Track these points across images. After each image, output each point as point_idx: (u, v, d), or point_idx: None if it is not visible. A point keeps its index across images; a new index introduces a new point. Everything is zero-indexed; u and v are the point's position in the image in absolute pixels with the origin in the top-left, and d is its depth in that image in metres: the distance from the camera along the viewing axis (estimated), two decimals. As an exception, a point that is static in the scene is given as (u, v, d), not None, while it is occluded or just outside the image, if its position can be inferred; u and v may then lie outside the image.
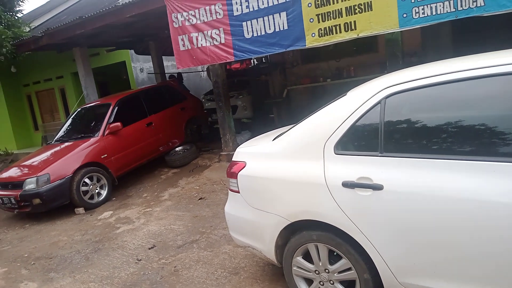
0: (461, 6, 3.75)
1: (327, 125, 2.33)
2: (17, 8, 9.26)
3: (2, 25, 7.40)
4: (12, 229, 5.54)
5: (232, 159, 2.89)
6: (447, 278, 1.91)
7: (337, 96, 2.48)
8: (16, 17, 8.54)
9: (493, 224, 1.73)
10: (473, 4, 3.70)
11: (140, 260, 3.69)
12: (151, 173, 6.85)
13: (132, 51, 10.66)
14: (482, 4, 3.66)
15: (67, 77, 12.48)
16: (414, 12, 3.96)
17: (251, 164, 2.70)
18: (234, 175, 2.76)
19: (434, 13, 3.88)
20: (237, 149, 2.95)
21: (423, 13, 3.93)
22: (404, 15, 4.01)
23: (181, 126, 7.48)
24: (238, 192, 2.74)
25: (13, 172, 5.96)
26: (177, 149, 7.20)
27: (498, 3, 3.59)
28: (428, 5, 3.88)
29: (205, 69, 12.05)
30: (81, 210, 5.61)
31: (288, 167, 2.45)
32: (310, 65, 7.94)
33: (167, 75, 10.34)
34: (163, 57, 10.37)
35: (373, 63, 6.94)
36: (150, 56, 10.60)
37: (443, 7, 3.83)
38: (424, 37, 6.49)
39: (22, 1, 9.38)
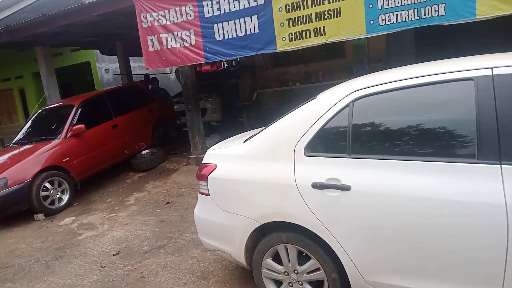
0: (424, 14, 3.92)
1: (298, 127, 2.35)
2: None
3: (-44, 20, 6.96)
4: (-37, 237, 5.18)
5: (202, 162, 2.85)
6: (410, 275, 1.97)
7: (306, 100, 2.51)
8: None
9: (452, 222, 1.81)
10: (435, 13, 3.88)
11: (104, 267, 3.55)
12: (116, 177, 6.63)
13: (98, 51, 10.35)
14: (443, 13, 3.84)
15: (28, 77, 11.95)
16: (380, 19, 4.09)
17: (221, 166, 2.67)
18: (204, 178, 2.72)
19: (399, 20, 4.03)
20: (207, 151, 2.92)
21: (389, 20, 4.06)
22: (371, 22, 4.13)
23: (148, 129, 7.30)
24: (208, 194, 2.71)
25: (-34, 176, 5.57)
26: (143, 152, 7.02)
27: (457, 13, 3.78)
28: (394, 13, 4.02)
29: (173, 71, 11.93)
30: (40, 216, 5.32)
31: (259, 169, 2.45)
32: (279, 69, 8.01)
33: (134, 76, 10.10)
34: (130, 57, 10.12)
35: (340, 68, 7.10)
36: (116, 56, 10.33)
37: (408, 15, 3.99)
38: (389, 44, 6.73)
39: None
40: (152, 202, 5.21)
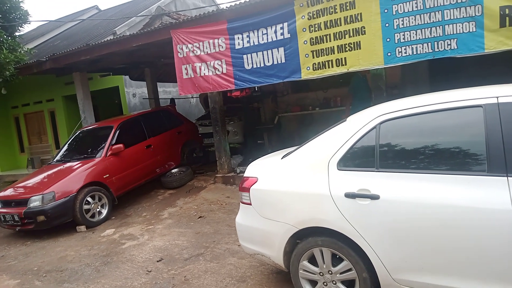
0: (438, 48, 4.36)
1: (331, 145, 2.76)
2: (17, 33, 9.53)
3: (6, 49, 7.66)
4: (13, 246, 5.64)
5: (244, 175, 3.26)
6: (431, 273, 2.29)
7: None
8: (17, 41, 8.79)
9: (467, 225, 2.15)
10: (447, 47, 4.32)
11: (150, 271, 3.94)
12: (148, 194, 7.10)
13: (127, 76, 11.05)
14: (455, 47, 4.28)
15: (58, 100, 12.65)
16: (397, 52, 4.55)
17: (263, 179, 3.07)
18: (246, 189, 3.12)
19: (414, 52, 4.48)
20: (248, 167, 3.34)
21: (405, 53, 4.52)
22: (389, 54, 4.60)
23: (177, 149, 7.83)
24: (250, 204, 3.09)
25: (14, 190, 6.09)
26: (173, 171, 7.50)
27: (468, 47, 4.21)
28: (410, 46, 4.48)
29: (195, 96, 12.57)
30: (82, 228, 5.78)
31: (297, 181, 2.84)
32: (299, 94, 8.51)
33: (160, 101, 10.70)
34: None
35: (358, 94, 7.53)
36: (142, 81, 11.01)
37: (422, 48, 4.44)
38: (404, 72, 7.18)
39: (22, 26, 9.67)
40: (185, 216, 5.62)
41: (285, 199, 2.90)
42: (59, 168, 6.32)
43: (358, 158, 2.65)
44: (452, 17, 4.22)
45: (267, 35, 5.35)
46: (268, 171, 3.14)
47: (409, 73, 7.13)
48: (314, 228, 2.72)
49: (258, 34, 5.41)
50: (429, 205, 2.26)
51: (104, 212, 6.09)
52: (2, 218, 5.76)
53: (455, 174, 2.25)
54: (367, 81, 6.48)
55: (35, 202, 5.49)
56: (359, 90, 6.42)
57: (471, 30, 4.17)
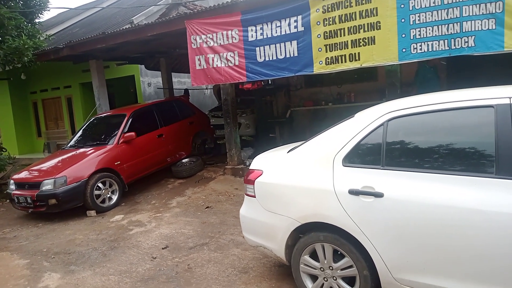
0: (454, 45, 4.25)
1: (337, 141, 2.73)
2: (37, 20, 9.70)
3: (25, 35, 7.80)
4: (25, 227, 5.80)
5: (250, 168, 3.27)
6: (434, 274, 2.26)
7: (338, 119, 2.90)
8: (36, 28, 8.95)
9: (472, 228, 2.11)
10: (464, 44, 4.21)
11: (155, 258, 4.00)
12: (158, 182, 7.19)
13: (142, 66, 11.14)
14: (473, 45, 4.16)
15: (75, 87, 12.86)
16: (412, 48, 4.45)
17: (268, 172, 3.07)
18: (251, 182, 3.13)
19: (430, 49, 4.37)
20: (254, 159, 3.34)
21: (421, 49, 4.42)
22: (403, 50, 4.50)
23: (188, 139, 7.89)
24: (254, 196, 3.10)
25: (28, 173, 6.26)
26: (184, 160, 7.57)
27: (486, 45, 4.09)
28: (425, 42, 4.38)
29: (209, 87, 12.58)
30: (92, 213, 5.90)
31: (302, 176, 2.84)
32: (313, 89, 8.44)
33: (174, 91, 10.76)
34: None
35: (372, 90, 7.44)
36: (157, 71, 11.08)
37: (438, 45, 4.33)
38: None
39: (41, 13, 9.83)
40: (192, 206, 5.68)
41: (289, 193, 2.90)
42: (72, 153, 6.45)
43: (364, 155, 2.62)
44: (470, 14, 4.10)
45: (281, 28, 5.30)
46: (274, 165, 3.14)
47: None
48: (317, 223, 2.72)
49: (271, 26, 5.37)
50: (434, 205, 2.23)
51: (114, 198, 6.20)
52: (16, 199, 5.94)
53: (462, 175, 2.20)
54: (437, 71, 6.20)
55: (47, 185, 5.63)
56: (427, 81, 5.96)
57: (490, 28, 4.05)
